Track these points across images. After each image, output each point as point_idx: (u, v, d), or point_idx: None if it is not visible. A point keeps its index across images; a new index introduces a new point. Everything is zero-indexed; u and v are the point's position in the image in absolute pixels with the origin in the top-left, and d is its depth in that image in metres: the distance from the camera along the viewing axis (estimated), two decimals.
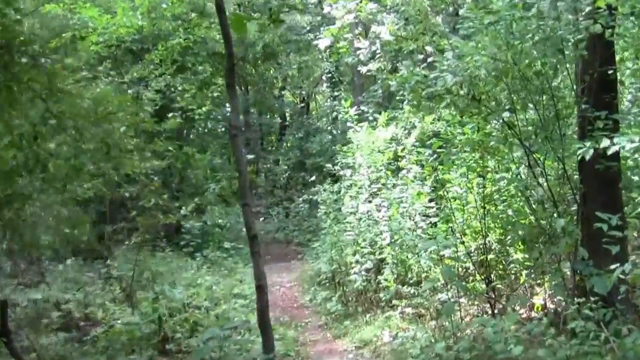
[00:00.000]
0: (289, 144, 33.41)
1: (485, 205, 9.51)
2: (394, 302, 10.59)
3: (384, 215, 11.28)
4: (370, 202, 11.81)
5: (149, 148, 10.36)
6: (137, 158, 9.10)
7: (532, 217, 8.76)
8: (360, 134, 12.85)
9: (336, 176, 14.11)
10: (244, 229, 25.61)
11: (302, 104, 34.52)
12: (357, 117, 14.15)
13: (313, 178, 14.67)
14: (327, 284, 13.28)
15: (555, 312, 8.37)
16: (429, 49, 14.00)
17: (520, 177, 8.78)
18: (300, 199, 23.90)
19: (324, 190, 13.39)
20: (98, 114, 7.86)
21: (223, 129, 28.47)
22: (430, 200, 11.17)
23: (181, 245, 16.92)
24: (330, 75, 28.13)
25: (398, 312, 10.31)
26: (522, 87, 7.85)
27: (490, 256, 9.68)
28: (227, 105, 33.74)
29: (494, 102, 8.16)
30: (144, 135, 13.06)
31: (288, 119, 34.92)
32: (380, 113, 14.22)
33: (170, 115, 16.33)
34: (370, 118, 14.66)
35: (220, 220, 23.18)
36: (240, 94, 32.52)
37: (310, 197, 15.93)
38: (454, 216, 9.82)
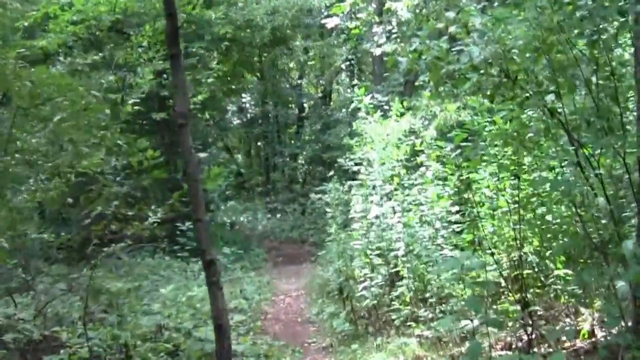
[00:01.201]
0: (306, 137, 31.93)
1: (520, 210, 7.75)
2: (411, 323, 8.89)
3: (399, 221, 9.51)
4: (382, 205, 10.08)
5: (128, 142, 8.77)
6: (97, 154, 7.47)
7: (578, 226, 7.02)
8: (371, 125, 11.09)
9: (349, 173, 12.39)
10: (258, 227, 24.61)
11: (321, 95, 32.81)
12: (372, 106, 12.43)
13: (331, 173, 12.87)
14: (336, 296, 11.59)
15: (608, 346, 6.63)
16: (452, 29, 12.24)
17: (566, 177, 6.99)
18: (318, 196, 22.09)
19: (332, 189, 11.63)
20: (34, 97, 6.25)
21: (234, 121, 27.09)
22: (453, 204, 9.38)
23: (176, 249, 15.22)
24: (349, 63, 26.53)
25: (415, 337, 8.60)
26: (571, 63, 6.06)
27: (526, 271, 7.95)
28: (244, 95, 32.92)
29: (533, 83, 6.39)
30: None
31: (306, 110, 33.27)
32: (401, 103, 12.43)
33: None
34: (387, 107, 12.86)
35: (226, 219, 21.64)
36: (255, 84, 31.10)
37: (319, 196, 14.14)
38: (482, 223, 8.07)
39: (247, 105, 34.18)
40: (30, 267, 13.51)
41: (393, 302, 9.62)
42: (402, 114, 11.21)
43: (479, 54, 6.10)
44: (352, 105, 13.43)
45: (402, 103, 11.80)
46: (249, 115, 34.18)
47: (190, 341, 8.71)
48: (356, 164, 10.74)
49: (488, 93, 6.77)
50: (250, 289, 13.51)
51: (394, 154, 10.66)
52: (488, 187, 8.31)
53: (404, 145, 10.99)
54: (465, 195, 8.34)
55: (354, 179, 11.12)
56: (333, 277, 11.37)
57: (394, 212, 9.82)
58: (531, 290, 8.06)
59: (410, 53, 7.02)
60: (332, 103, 32.38)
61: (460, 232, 9.06)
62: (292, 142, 32.31)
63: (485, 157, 7.97)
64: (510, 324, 7.97)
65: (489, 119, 8.46)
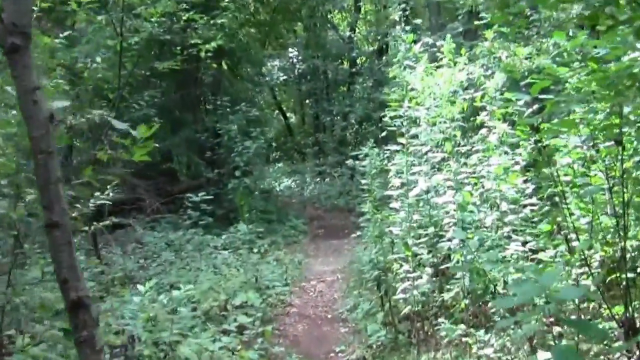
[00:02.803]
0: (358, 95, 29.50)
1: (624, 190, 5.28)
2: (467, 339, 6.54)
3: (452, 201, 7.04)
4: (430, 178, 7.66)
5: None
6: None
7: None
8: (419, 75, 8.63)
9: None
10: (305, 193, 22.31)
11: (375, 49, 30.17)
12: (421, 55, 9.99)
13: (384, 134, 10.37)
14: (374, 288, 9.29)
15: None
16: None
17: None
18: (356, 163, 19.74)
19: (367, 156, 9.19)
20: None
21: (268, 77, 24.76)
22: (527, 181, 6.88)
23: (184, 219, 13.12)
24: (401, 12, 23.87)
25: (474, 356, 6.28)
26: None
27: (631, 275, 5.51)
28: (291, 49, 30.65)
29: None
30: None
31: (359, 65, 30.71)
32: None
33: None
34: (439, 54, 10.31)
35: (262, 184, 19.40)
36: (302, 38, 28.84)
37: (354, 163, 11.70)
38: (567, 208, 5.64)
39: (295, 60, 31.91)
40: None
41: (445, 304, 7.36)
42: (455, 64, 8.72)
43: None
44: (399, 54, 10.94)
45: (458, 47, 9.31)
46: (297, 71, 31.91)
47: None
48: (394, 125, 8.22)
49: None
50: (273, 274, 11.26)
51: (447, 111, 8.22)
52: (576, 157, 5.87)
53: (460, 101, 8.55)
54: (545, 170, 5.81)
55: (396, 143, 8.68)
56: (367, 267, 9.06)
57: (446, 189, 7.41)
58: (636, 300, 5.66)
59: None
60: (385, 58, 29.76)
61: (535, 222, 6.65)
62: (343, 100, 29.88)
63: (573, 116, 5.53)
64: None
65: (577, 63, 6.05)
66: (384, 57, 28.74)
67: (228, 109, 17.39)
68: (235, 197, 16.37)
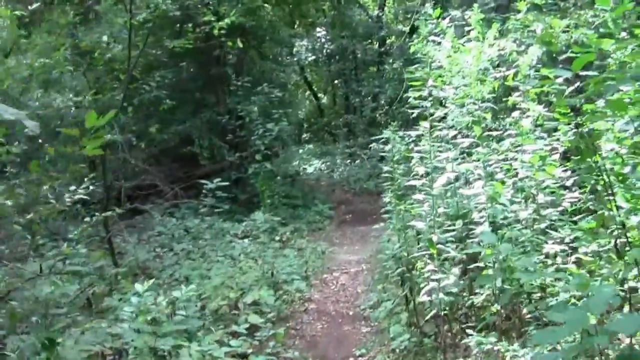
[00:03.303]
0: (388, 75, 28.64)
1: None
2: (498, 347, 5.78)
3: (480, 193, 6.27)
4: (457, 166, 6.88)
5: None
6: None
7: None
8: (444, 51, 7.83)
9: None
10: (334, 175, 21.52)
11: (405, 28, 29.18)
12: (447, 29, 9.15)
13: (415, 114, 9.51)
14: (399, 283, 8.56)
15: None
16: None
17: None
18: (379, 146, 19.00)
19: (390, 140, 8.42)
20: None
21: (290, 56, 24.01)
22: (566, 171, 6.07)
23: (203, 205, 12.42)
24: None
25: None
26: None
27: None
28: (319, 28, 29.78)
29: None
30: None
31: (388, 45, 29.80)
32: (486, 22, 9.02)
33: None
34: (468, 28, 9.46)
35: (289, 167, 18.73)
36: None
37: (379, 146, 10.91)
38: (614, 204, 4.86)
39: (323, 40, 31.14)
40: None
41: (474, 306, 6.63)
42: (485, 38, 7.91)
43: None
44: (425, 30, 10.09)
45: (490, 23, 8.49)
46: (325, 51, 31.15)
47: None
48: (420, 107, 7.38)
49: None
50: (291, 267, 10.56)
51: (476, 90, 7.43)
52: (624, 144, 5.08)
53: (491, 79, 7.74)
54: (588, 158, 5.02)
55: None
56: (390, 263, 8.32)
57: (475, 178, 6.65)
58: None
59: None
60: (415, 37, 28.83)
61: (576, 219, 5.85)
62: (372, 80, 29.04)
63: (624, 96, 4.74)
64: None
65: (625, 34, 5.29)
66: (414, 37, 27.81)
67: (251, 90, 16.67)
68: (257, 182, 15.71)
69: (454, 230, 6.69)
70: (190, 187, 15.84)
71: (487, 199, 6.09)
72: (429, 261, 6.52)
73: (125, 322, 6.30)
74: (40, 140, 16.59)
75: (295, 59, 30.09)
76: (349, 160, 27.19)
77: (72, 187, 6.98)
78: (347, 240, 14.70)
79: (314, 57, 31.53)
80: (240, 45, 11.82)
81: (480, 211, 6.23)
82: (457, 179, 6.92)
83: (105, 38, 10.32)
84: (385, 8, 30.00)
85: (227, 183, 11.31)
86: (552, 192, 6.02)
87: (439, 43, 8.45)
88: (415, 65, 8.50)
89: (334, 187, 23.76)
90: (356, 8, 29.05)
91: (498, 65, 8.17)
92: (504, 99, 7.53)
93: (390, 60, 28.76)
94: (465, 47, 7.77)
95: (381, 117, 28.60)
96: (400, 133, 8.67)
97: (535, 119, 6.38)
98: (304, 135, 35.59)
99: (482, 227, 6.02)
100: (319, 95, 35.29)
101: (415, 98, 7.52)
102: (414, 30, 27.96)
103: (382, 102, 27.93)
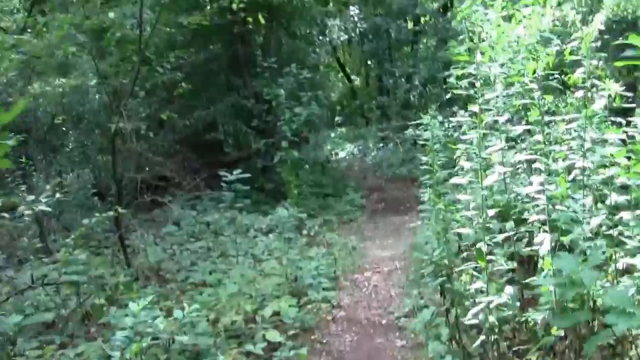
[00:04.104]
0: (422, 55, 27.47)
1: None
2: None
3: (540, 190, 5.10)
4: (507, 158, 5.74)
5: None
6: None
7: None
8: (492, 20, 6.66)
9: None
10: (367, 160, 20.40)
11: (439, 5, 27.86)
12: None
13: (449, 96, 8.32)
14: (440, 292, 7.44)
15: None
16: None
17: None
18: (416, 132, 17.94)
19: (428, 126, 7.26)
20: None
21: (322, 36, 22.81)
22: None
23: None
24: None
25: None
26: None
27: None
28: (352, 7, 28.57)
29: None
30: None
31: (422, 24, 28.53)
32: None
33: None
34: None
35: (319, 154, 17.66)
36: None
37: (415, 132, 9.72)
38: None
39: (356, 19, 29.95)
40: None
41: (529, 326, 5.54)
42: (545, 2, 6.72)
43: None
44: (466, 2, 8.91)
45: None
46: (358, 30, 29.99)
47: None
48: (460, 87, 6.23)
49: None
50: (318, 269, 9.45)
51: (529, 67, 6.27)
52: None
53: (544, 54, 6.58)
54: None
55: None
56: (428, 269, 7.19)
57: (531, 173, 5.51)
58: None
59: None
60: (450, 14, 27.50)
61: None
62: (406, 60, 27.83)
63: None
64: None
65: None
66: (448, 14, 26.49)
67: (278, 71, 15.58)
68: (283, 172, 14.65)
69: (503, 233, 5.56)
70: (213, 176, 14.84)
71: (547, 199, 4.95)
72: (475, 275, 5.42)
73: (115, 350, 5.29)
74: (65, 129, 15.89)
75: (327, 39, 29.03)
76: (381, 144, 26.16)
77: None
78: (379, 233, 13.62)
79: (346, 37, 30.46)
80: (263, 21, 10.66)
81: (539, 214, 5.09)
82: (514, 173, 5.79)
83: (111, 15, 9.29)
84: None
85: (247, 175, 10.20)
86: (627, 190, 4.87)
87: (485, 14, 7.28)
88: (460, 37, 7.32)
89: (365, 173, 22.71)
90: None
91: (551, 38, 6.99)
92: (566, 76, 6.37)
93: (424, 40, 27.59)
94: (519, 12, 6.57)
95: (415, 99, 27.48)
96: (440, 117, 7.53)
97: (608, 103, 5.20)
98: (337, 119, 34.63)
99: (542, 237, 4.89)
100: (352, 76, 34.17)
101: (458, 77, 6.36)
102: (447, 7, 26.75)
103: (416, 82, 26.77)
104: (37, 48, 9.55)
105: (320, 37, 27.22)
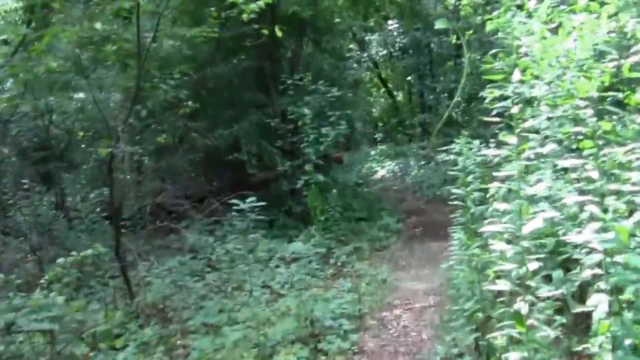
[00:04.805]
0: (467, 69, 26.44)
1: None
2: None
3: (596, 240, 4.09)
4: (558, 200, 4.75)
5: None
6: None
7: None
8: (532, 37, 5.70)
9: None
10: (407, 179, 19.33)
11: (483, 18, 26.84)
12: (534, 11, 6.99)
13: (493, 113, 7.27)
14: (474, 346, 6.44)
15: None
16: None
17: None
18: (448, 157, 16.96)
19: (460, 154, 6.31)
20: None
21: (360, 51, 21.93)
22: None
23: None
24: None
25: None
26: None
27: None
28: (390, 21, 27.75)
29: None
30: None
31: (466, 38, 27.50)
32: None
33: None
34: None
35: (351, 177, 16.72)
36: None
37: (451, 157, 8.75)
38: None
39: (396, 33, 29.11)
40: None
41: None
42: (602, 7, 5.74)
43: None
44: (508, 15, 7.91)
45: None
46: (397, 45, 29.14)
47: None
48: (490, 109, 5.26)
49: None
50: (340, 307, 8.49)
51: (579, 86, 5.28)
52: None
53: (597, 72, 5.58)
54: None
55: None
56: (461, 322, 6.20)
57: (585, 219, 4.50)
58: None
59: None
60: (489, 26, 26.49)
61: None
62: (448, 75, 26.86)
63: None
64: None
65: None
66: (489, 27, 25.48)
67: (305, 89, 14.70)
68: (308, 197, 13.72)
69: (549, 289, 4.58)
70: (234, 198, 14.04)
71: (605, 252, 3.97)
72: (515, 342, 4.44)
73: None
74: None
75: (365, 54, 28.22)
76: (423, 162, 25.18)
77: None
78: (414, 262, 12.58)
79: (386, 52, 29.63)
80: (279, 34, 9.76)
81: (594, 268, 4.10)
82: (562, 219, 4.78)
83: (98, 26, 8.42)
84: None
85: (262, 203, 9.32)
86: None
87: (525, 23, 6.30)
88: (493, 51, 6.36)
89: (404, 194, 21.71)
90: None
91: (605, 52, 5.98)
92: (623, 97, 5.37)
93: (469, 55, 26.58)
94: (569, 21, 5.58)
95: (457, 116, 26.47)
96: (476, 143, 6.56)
97: None
98: (377, 135, 33.81)
99: (597, 298, 3.91)
100: (394, 92, 33.28)
101: (493, 98, 5.41)
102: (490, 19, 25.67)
103: (459, 99, 25.75)
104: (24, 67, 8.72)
105: (358, 53, 26.32)
